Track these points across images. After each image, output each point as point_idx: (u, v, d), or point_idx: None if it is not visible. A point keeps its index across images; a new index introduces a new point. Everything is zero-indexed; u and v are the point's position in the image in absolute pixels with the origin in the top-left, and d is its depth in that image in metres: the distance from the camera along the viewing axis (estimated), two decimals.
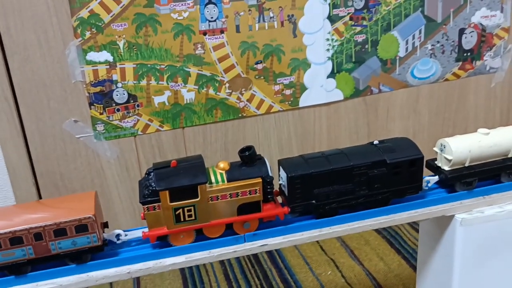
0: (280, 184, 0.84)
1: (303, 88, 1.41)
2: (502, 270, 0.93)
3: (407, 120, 1.56)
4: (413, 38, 1.47)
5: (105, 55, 1.23)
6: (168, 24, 1.25)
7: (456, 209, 0.89)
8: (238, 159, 0.80)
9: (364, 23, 1.40)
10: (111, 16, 1.21)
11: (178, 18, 1.25)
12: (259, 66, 1.35)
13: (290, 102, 1.41)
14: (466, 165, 0.88)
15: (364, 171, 0.82)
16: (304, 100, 1.42)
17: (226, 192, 0.77)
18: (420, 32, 1.47)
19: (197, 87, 1.31)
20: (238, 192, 0.77)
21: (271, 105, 1.39)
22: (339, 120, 1.48)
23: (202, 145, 1.37)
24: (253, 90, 1.36)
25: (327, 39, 1.38)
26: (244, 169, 0.79)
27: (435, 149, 0.90)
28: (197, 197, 0.75)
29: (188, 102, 1.32)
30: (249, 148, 0.79)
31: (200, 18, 1.26)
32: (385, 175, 0.83)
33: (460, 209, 0.89)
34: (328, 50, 1.39)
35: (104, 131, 1.29)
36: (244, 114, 1.38)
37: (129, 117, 1.29)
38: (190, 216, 0.76)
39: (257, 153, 0.81)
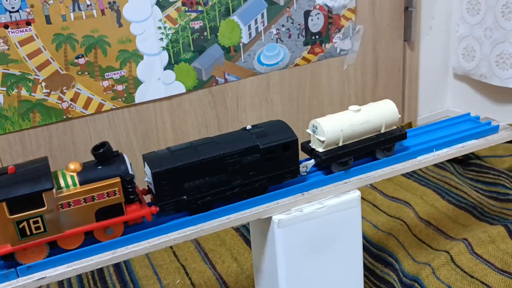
0: (147, 182, 0.77)
1: (138, 82, 1.28)
2: (326, 266, 0.87)
3: (259, 109, 1.48)
4: (256, 22, 1.39)
5: None
6: None
7: (273, 210, 0.82)
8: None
9: (200, 8, 1.30)
10: None
11: None
12: (81, 61, 1.20)
13: (124, 99, 1.27)
14: (340, 144, 0.85)
15: (237, 159, 0.77)
16: (141, 95, 1.29)
17: (79, 197, 0.68)
18: (262, 16, 1.39)
19: (4, 88, 1.14)
20: (94, 196, 0.69)
21: (102, 103, 1.25)
22: (184, 114, 1.37)
23: (21, 154, 1.19)
24: (77, 88, 1.21)
25: (159, 27, 1.26)
26: (99, 169, 0.70)
27: (308, 130, 0.86)
28: (43, 206, 0.66)
29: None
30: (103, 145, 0.70)
31: None
32: (260, 162, 0.79)
33: (277, 210, 0.82)
34: (161, 39, 1.27)
35: None
36: (70, 116, 1.22)
37: None
38: (38, 228, 0.67)
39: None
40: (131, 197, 0.72)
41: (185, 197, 0.75)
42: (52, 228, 0.68)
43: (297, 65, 1.50)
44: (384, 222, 1.35)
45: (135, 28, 1.23)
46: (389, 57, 1.67)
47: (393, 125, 0.90)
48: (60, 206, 0.67)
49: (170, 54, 1.29)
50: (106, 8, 1.18)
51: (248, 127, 0.82)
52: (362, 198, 1.46)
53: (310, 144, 0.87)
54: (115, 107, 1.27)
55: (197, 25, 1.30)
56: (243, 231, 1.41)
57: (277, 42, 1.44)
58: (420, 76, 1.78)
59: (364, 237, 1.29)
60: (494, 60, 1.61)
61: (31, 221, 0.66)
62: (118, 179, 0.70)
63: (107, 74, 1.23)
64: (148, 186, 0.77)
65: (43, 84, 1.17)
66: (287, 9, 1.42)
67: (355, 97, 1.65)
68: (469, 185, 1.47)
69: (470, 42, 1.71)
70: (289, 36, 1.45)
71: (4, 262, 0.69)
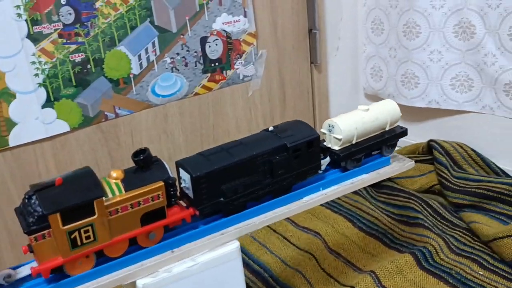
0: (182, 187, 0.78)
1: (11, 124, 1.15)
2: None
3: (157, 143, 1.39)
4: (147, 52, 1.30)
5: None
6: None
7: (136, 274, 0.72)
8: None
9: (80, 39, 1.19)
10: None
11: None
12: None
13: None
14: (354, 142, 0.90)
15: (267, 159, 0.80)
16: (16, 137, 1.16)
17: (126, 203, 0.69)
18: (154, 45, 1.30)
19: None
20: (140, 201, 0.70)
21: None
22: (71, 155, 1.25)
23: None
24: None
25: (33, 62, 1.14)
26: (141, 174, 0.72)
27: (323, 130, 0.91)
28: (94, 214, 0.67)
29: None
30: (143, 151, 0.72)
31: None
32: (287, 160, 0.82)
33: (141, 273, 0.73)
34: (37, 75, 1.15)
35: None
36: None
37: None
38: (88, 237, 0.68)
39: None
40: (172, 200, 0.74)
41: (222, 199, 0.77)
42: (101, 236, 0.68)
43: (197, 94, 1.41)
44: (293, 257, 1.28)
45: (3, 65, 1.10)
46: (296, 81, 1.62)
47: (395, 123, 0.98)
48: (108, 213, 0.68)
49: (49, 90, 1.17)
50: None
51: (270, 128, 0.84)
52: (272, 230, 1.40)
53: (325, 143, 0.91)
54: None
55: (78, 57, 1.19)
56: None
57: (172, 72, 1.35)
58: (330, 97, 1.74)
59: (272, 276, 1.21)
60: (400, 80, 1.60)
61: (82, 230, 0.66)
62: (161, 183, 0.71)
63: None
64: (182, 191, 0.78)
65: None
66: (181, 36, 1.34)
67: (264, 123, 1.58)
68: (381, 209, 1.43)
69: (377, 62, 1.69)
70: (186, 65, 1.37)
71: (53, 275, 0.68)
